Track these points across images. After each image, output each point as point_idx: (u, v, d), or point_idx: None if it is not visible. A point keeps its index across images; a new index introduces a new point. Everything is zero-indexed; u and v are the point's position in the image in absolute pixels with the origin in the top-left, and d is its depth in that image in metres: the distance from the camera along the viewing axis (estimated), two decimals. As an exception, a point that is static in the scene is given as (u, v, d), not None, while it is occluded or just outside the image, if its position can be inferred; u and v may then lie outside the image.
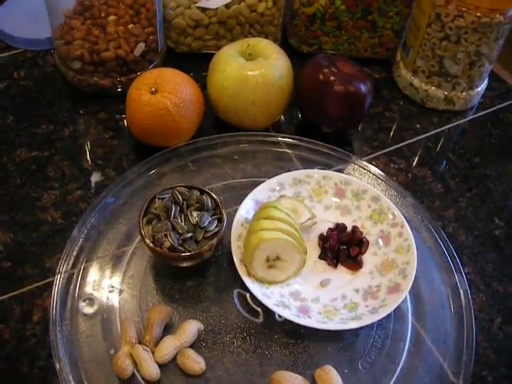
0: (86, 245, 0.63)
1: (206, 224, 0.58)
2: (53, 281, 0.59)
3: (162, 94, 0.68)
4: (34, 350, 0.57)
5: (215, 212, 0.60)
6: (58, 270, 0.60)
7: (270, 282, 0.59)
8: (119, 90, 0.80)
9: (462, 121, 0.84)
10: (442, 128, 0.83)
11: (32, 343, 0.57)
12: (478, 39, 0.75)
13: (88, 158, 0.74)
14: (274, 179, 0.66)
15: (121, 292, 0.60)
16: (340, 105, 0.71)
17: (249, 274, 0.59)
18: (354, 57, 0.86)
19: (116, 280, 0.61)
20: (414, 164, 0.77)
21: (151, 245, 0.57)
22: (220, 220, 0.60)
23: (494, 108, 0.87)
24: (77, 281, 0.60)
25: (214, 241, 0.58)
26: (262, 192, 0.66)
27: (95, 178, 0.72)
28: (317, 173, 0.68)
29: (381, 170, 0.72)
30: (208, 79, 0.74)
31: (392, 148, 0.79)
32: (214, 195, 0.61)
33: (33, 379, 0.55)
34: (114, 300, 0.59)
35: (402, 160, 0.77)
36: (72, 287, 0.60)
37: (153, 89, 0.68)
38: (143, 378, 0.53)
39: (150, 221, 0.59)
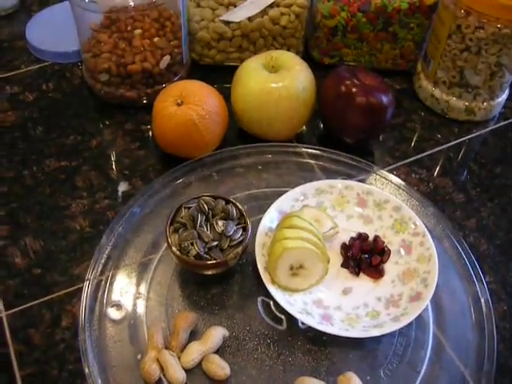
0: (113, 253, 0.64)
1: (231, 233, 0.60)
2: (81, 287, 0.61)
3: (188, 106, 0.69)
4: (63, 355, 0.58)
5: (240, 221, 0.62)
6: (86, 277, 0.61)
7: (293, 289, 0.60)
8: (145, 101, 0.81)
9: (483, 131, 0.84)
10: (463, 138, 0.83)
11: (61, 348, 0.59)
12: (499, 50, 0.76)
13: (115, 168, 0.76)
14: (298, 189, 0.67)
15: (147, 299, 0.61)
16: (362, 116, 0.72)
17: (273, 282, 0.60)
18: (375, 68, 0.87)
19: (143, 287, 0.62)
20: (436, 174, 0.78)
21: (178, 253, 0.59)
22: (245, 229, 0.61)
23: (515, 118, 0.87)
24: (105, 287, 0.62)
25: (239, 249, 0.59)
26: (286, 202, 0.67)
27: (122, 187, 0.73)
28: (339, 183, 0.69)
29: (402, 180, 0.73)
30: (232, 92, 0.76)
31: (413, 158, 0.80)
32: (238, 205, 0.62)
33: (62, 382, 0.56)
34: (141, 306, 0.61)
35: (424, 170, 0.78)
36: (100, 294, 0.61)
37: (178, 101, 0.70)
38: (169, 383, 0.54)
39: (176, 229, 0.61)
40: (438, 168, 0.79)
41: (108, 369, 0.56)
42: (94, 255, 0.63)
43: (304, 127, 0.81)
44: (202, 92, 0.71)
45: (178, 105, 0.70)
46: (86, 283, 0.61)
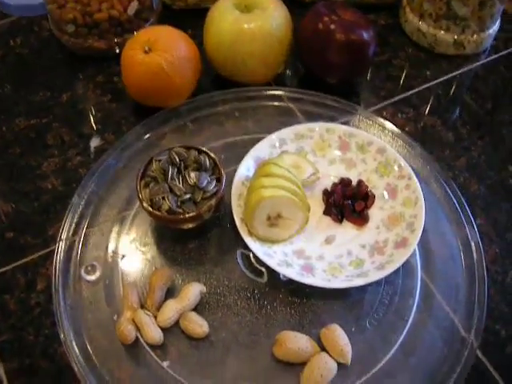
0: (86, 211, 0.62)
1: (204, 184, 0.57)
2: (55, 249, 0.59)
3: (156, 53, 0.66)
4: (39, 319, 0.57)
5: (214, 172, 0.59)
6: (59, 238, 0.59)
7: (272, 240, 0.58)
8: (117, 51, 0.77)
9: (473, 65, 0.80)
10: (453, 74, 0.79)
11: (37, 312, 0.57)
12: (488, -23, 0.71)
13: (87, 122, 0.73)
14: (274, 135, 0.64)
15: (123, 257, 0.59)
16: (342, 54, 0.68)
17: (250, 234, 0.57)
18: (358, 3, 0.82)
19: (118, 245, 0.60)
20: (424, 113, 0.74)
21: (149, 208, 0.56)
22: (219, 180, 0.58)
23: (508, 50, 0.82)
24: (78, 248, 0.60)
25: (213, 201, 0.56)
26: (263, 149, 0.64)
27: (94, 142, 0.70)
28: (319, 126, 0.66)
29: (388, 121, 0.69)
30: (204, 34, 0.72)
31: (400, 97, 0.76)
32: (212, 154, 0.59)
33: (39, 347, 0.55)
34: (117, 265, 0.59)
35: (411, 109, 0.74)
36: (74, 254, 0.59)
37: (146, 48, 0.66)
38: (147, 343, 0.53)
39: (147, 184, 0.58)
40: (426, 106, 0.75)
41: (84, 331, 0.54)
42: (65, 214, 0.61)
43: (287, 71, 0.77)
44: (170, 37, 0.68)
45: (146, 52, 0.66)
46: (59, 244, 0.59)
